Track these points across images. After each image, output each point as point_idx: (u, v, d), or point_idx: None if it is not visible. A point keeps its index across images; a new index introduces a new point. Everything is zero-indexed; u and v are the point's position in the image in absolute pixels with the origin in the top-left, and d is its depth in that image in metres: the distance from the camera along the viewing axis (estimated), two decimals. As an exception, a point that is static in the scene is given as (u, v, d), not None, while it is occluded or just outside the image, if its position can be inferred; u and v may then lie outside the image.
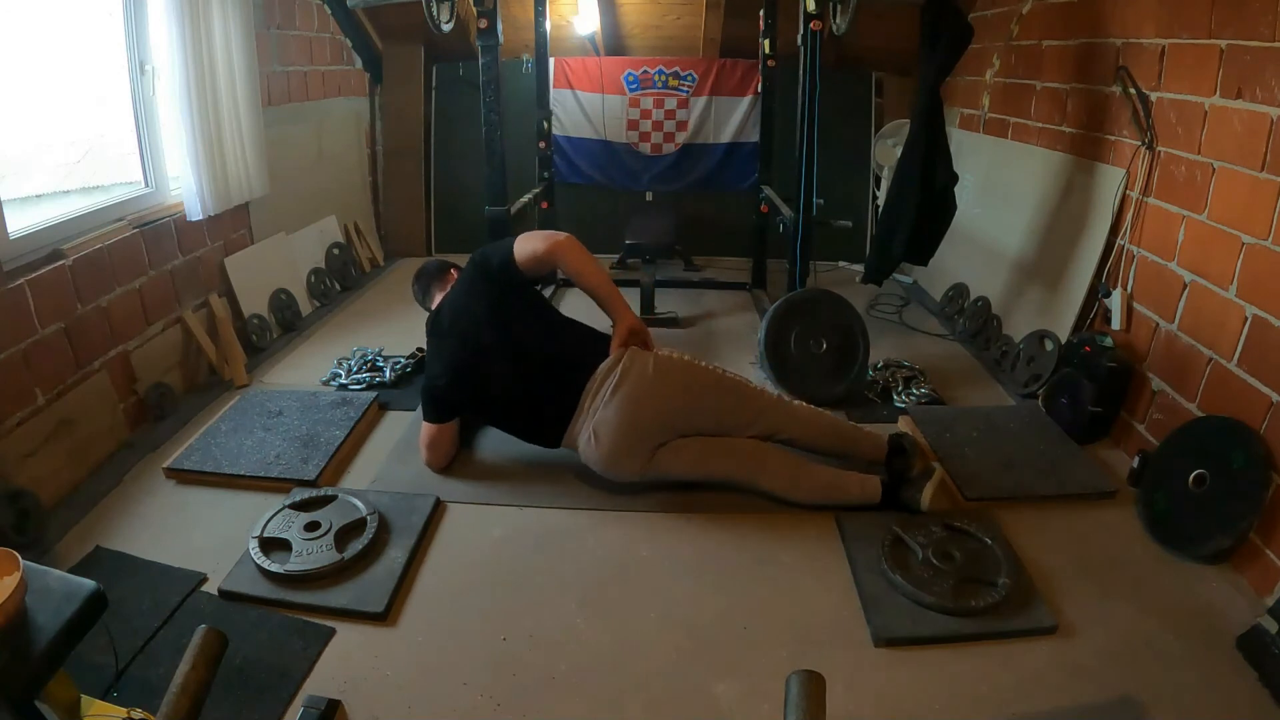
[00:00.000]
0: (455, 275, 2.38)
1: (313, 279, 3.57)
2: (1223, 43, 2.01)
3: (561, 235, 2.14)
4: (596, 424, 2.03)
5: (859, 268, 3.77)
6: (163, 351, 2.60)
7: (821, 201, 2.86)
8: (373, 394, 2.61)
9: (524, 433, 2.22)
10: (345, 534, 1.88)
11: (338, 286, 3.77)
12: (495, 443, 2.37)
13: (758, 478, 2.05)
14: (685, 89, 4.27)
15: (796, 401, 2.23)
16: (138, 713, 1.32)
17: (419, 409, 2.28)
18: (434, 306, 2.32)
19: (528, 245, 2.13)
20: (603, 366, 2.06)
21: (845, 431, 2.20)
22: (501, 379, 2.12)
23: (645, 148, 4.39)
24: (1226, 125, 2.01)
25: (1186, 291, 2.15)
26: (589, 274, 2.14)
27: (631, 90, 4.29)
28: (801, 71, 2.71)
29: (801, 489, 2.04)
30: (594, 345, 2.14)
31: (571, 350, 2.13)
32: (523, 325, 2.14)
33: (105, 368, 2.34)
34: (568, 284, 3.65)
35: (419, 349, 2.89)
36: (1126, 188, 2.44)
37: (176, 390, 2.62)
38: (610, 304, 2.15)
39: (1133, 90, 2.38)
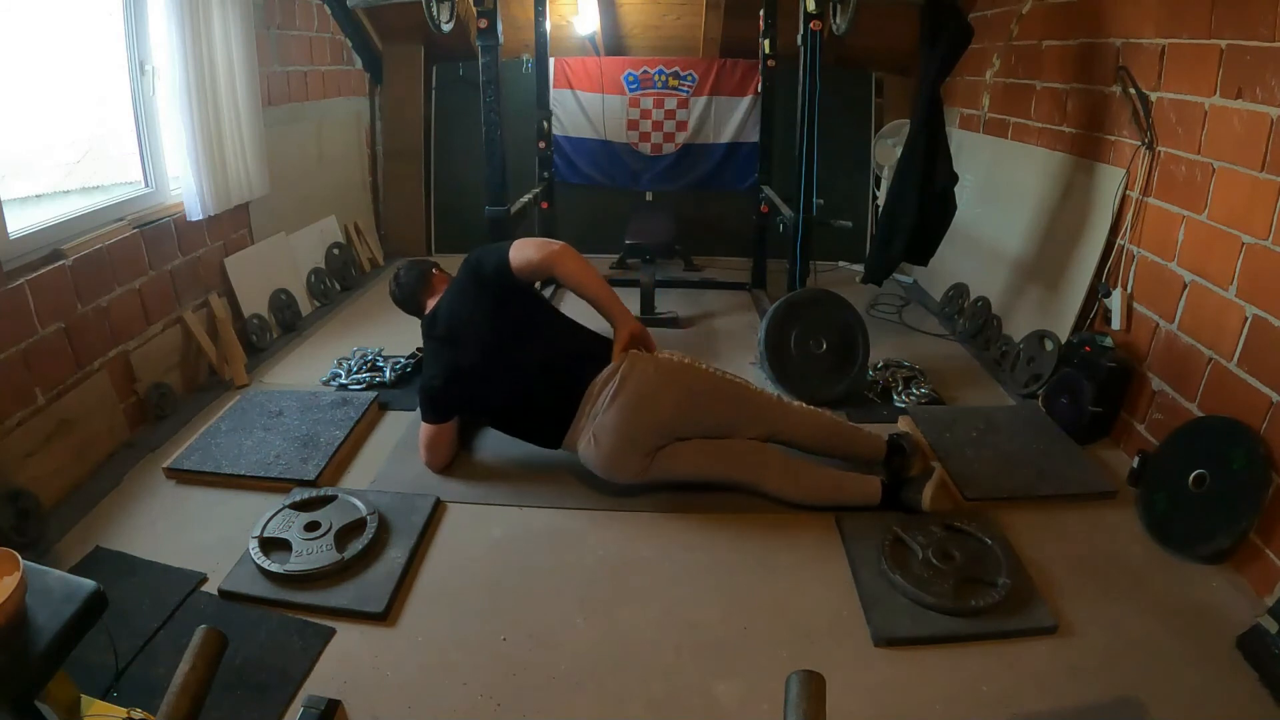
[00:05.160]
0: (439, 275, 2.36)
1: (313, 279, 3.57)
2: (1223, 43, 2.01)
3: (557, 244, 2.12)
4: (596, 428, 2.03)
5: (859, 268, 3.78)
6: (163, 351, 2.60)
7: (821, 201, 2.86)
8: (373, 394, 2.61)
9: (523, 434, 2.22)
10: (345, 534, 1.88)
11: (338, 286, 3.77)
12: (495, 443, 2.37)
13: (758, 479, 2.05)
14: (685, 89, 4.27)
15: (795, 402, 2.23)
16: (138, 713, 1.32)
17: (418, 409, 2.28)
18: (426, 310, 2.30)
19: (522, 253, 2.11)
20: (603, 373, 2.06)
21: (844, 432, 2.20)
22: (499, 383, 2.12)
23: (645, 148, 4.39)
24: (1226, 125, 2.01)
25: (1186, 291, 2.15)
26: (587, 282, 2.13)
27: (631, 90, 4.29)
28: (801, 71, 2.71)
29: (802, 489, 2.04)
30: (594, 349, 2.13)
31: (570, 355, 2.13)
32: (520, 330, 2.13)
33: (105, 368, 2.34)
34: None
35: (419, 349, 2.88)
36: (1126, 188, 2.44)
37: (176, 390, 2.62)
38: (610, 310, 2.14)
39: (1133, 90, 2.38)
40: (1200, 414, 2.05)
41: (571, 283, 2.13)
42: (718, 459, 2.06)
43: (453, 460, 2.26)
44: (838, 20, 2.73)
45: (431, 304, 2.29)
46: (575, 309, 2.33)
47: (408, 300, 2.36)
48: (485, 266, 2.15)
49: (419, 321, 2.33)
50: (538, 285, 3.10)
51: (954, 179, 2.83)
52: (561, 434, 2.10)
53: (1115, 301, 2.43)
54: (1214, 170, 2.05)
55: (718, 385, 2.12)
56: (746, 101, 4.24)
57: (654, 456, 2.04)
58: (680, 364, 2.12)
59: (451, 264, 2.38)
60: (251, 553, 1.80)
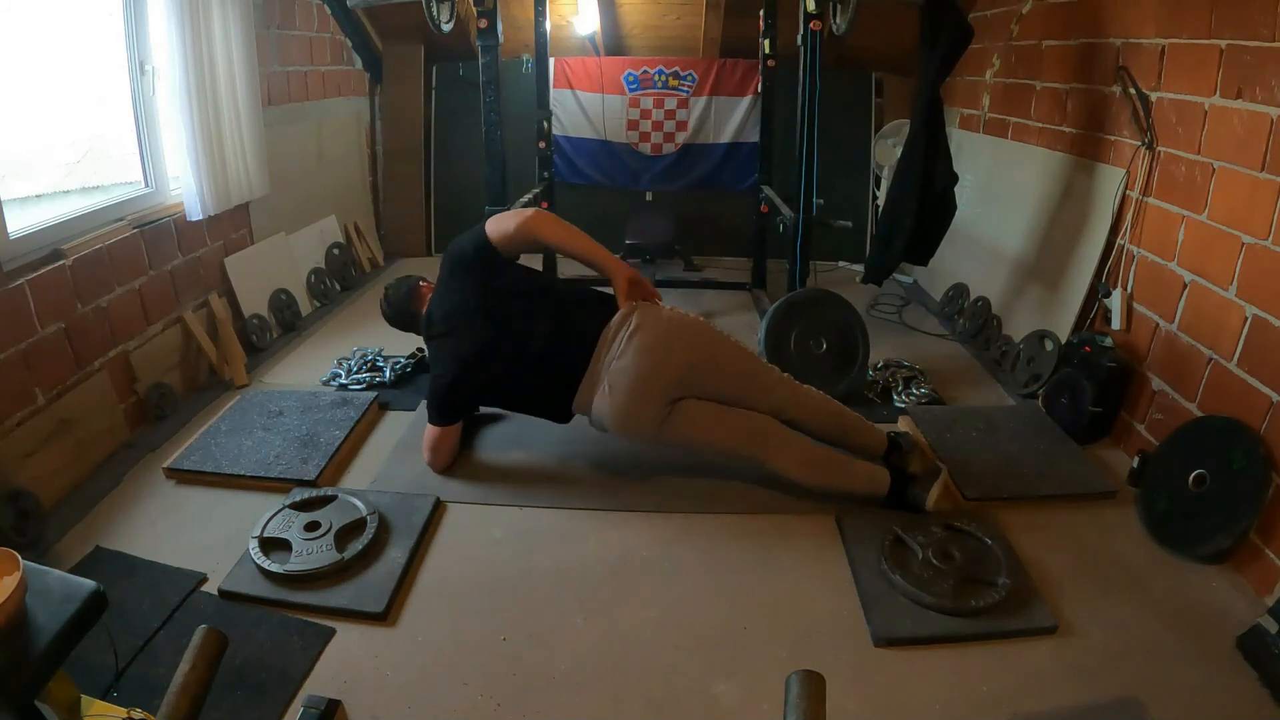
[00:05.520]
0: (426, 285, 2.34)
1: (313, 279, 3.57)
2: (1223, 43, 2.01)
3: (529, 210, 2.11)
4: (612, 375, 2.00)
5: (859, 268, 3.78)
6: (163, 351, 2.60)
7: (821, 201, 2.86)
8: (373, 394, 2.61)
9: (537, 409, 2.20)
10: (345, 534, 1.88)
11: (338, 286, 3.77)
12: (495, 443, 2.37)
13: (768, 453, 2.03)
14: (685, 89, 4.27)
15: (806, 385, 2.20)
16: (138, 713, 1.32)
17: (420, 409, 2.27)
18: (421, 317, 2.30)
19: (498, 226, 2.10)
20: (614, 320, 2.04)
21: (850, 421, 2.18)
22: (508, 359, 2.10)
23: (645, 148, 4.39)
24: (1226, 125, 2.01)
25: (1186, 291, 2.15)
26: (569, 240, 2.11)
27: (631, 90, 4.29)
28: (801, 71, 2.71)
29: (811, 471, 2.03)
30: (595, 305, 2.12)
31: (572, 315, 2.10)
32: (516, 300, 2.12)
33: (105, 368, 2.34)
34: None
35: (419, 349, 2.89)
36: (1126, 188, 2.44)
37: (176, 390, 2.62)
38: (600, 262, 2.12)
39: (1133, 90, 2.38)
40: (1200, 414, 2.05)
41: (554, 244, 2.12)
42: (730, 424, 2.04)
43: (455, 461, 2.26)
44: (838, 20, 2.73)
45: (423, 312, 2.27)
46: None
47: (400, 314, 2.35)
48: (465, 250, 2.14)
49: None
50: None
51: (954, 179, 2.83)
52: (572, 396, 2.08)
53: (1115, 301, 2.43)
54: (1214, 170, 2.05)
55: (733, 348, 2.12)
56: (746, 101, 4.24)
57: (668, 412, 2.01)
58: (693, 319, 2.12)
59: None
60: (251, 553, 1.80)
